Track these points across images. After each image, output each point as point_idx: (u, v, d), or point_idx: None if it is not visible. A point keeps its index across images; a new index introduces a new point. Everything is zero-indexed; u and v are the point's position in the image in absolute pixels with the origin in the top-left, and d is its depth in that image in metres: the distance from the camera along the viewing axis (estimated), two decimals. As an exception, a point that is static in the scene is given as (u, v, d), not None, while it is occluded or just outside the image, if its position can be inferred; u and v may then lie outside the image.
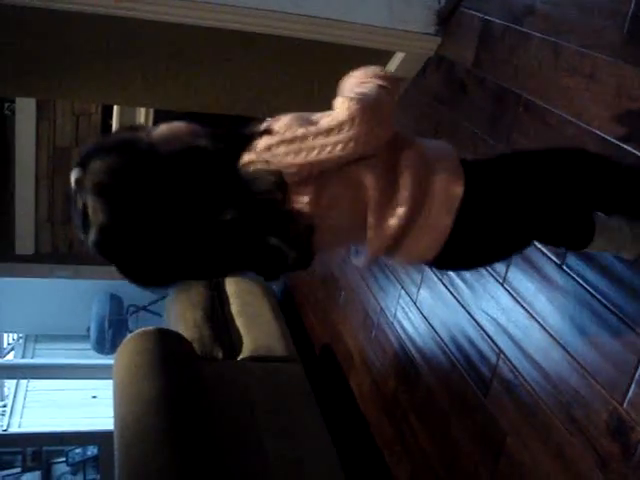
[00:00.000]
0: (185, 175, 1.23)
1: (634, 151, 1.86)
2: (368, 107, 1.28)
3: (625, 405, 1.84)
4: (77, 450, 4.93)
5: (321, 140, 1.26)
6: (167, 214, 1.21)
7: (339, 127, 1.26)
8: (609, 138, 1.95)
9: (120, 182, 1.21)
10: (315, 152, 1.26)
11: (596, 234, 1.71)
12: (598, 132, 1.99)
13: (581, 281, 2.01)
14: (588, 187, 1.63)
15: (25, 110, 5.35)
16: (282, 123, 1.28)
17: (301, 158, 1.25)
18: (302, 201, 1.28)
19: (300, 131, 1.26)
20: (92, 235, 1.21)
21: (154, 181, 1.21)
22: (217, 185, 1.24)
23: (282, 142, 1.26)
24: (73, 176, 1.26)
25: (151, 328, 3.29)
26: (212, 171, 1.25)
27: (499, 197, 1.46)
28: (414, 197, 1.34)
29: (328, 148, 1.26)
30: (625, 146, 1.89)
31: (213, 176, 1.24)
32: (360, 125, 1.26)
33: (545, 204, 1.53)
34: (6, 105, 5.26)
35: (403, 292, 3.08)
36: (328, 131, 1.26)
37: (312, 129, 1.26)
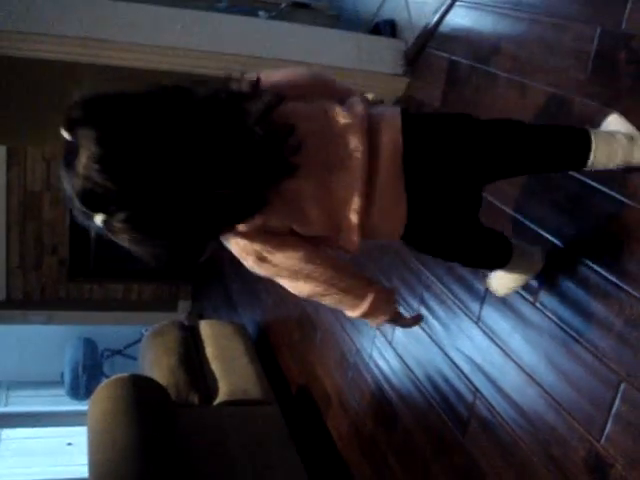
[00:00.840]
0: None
1: (600, 187, 1.88)
2: None
3: (602, 442, 1.84)
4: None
5: None
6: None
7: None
8: (576, 175, 1.97)
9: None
10: None
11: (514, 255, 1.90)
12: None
13: (555, 318, 2.02)
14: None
15: (-5, 156, 5.33)
16: None
17: None
18: None
19: None
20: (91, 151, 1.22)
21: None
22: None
23: None
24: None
25: (125, 375, 3.25)
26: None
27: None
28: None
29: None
30: (592, 183, 1.91)
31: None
32: None
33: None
34: (-24, 151, 5.25)
35: (378, 332, 3.07)
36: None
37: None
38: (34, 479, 5.52)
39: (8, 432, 7.12)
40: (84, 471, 2.97)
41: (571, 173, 1.98)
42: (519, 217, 2.19)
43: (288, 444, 3.40)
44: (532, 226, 2.12)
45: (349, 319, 3.30)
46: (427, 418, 2.66)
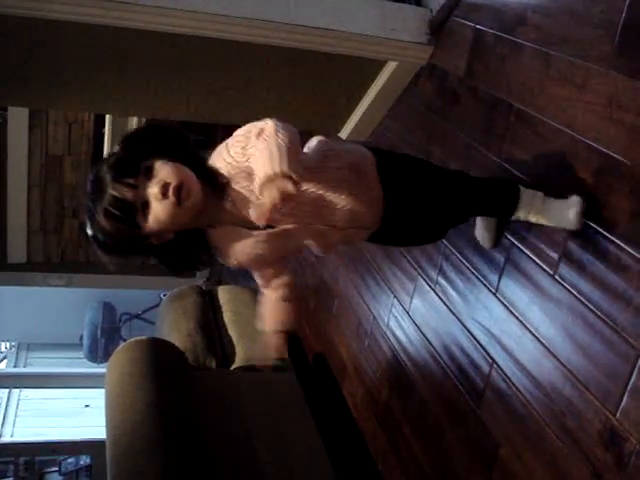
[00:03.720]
0: None
1: (624, 160, 1.86)
2: None
3: (618, 415, 1.84)
4: (70, 460, 4.91)
5: None
6: None
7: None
8: (600, 148, 1.95)
9: None
10: None
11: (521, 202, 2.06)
12: (589, 142, 1.99)
13: (574, 291, 2.01)
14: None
15: (17, 118, 5.34)
16: None
17: None
18: None
19: None
20: None
21: None
22: None
23: None
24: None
25: (143, 338, 3.28)
26: None
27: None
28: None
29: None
30: (616, 156, 1.89)
31: None
32: None
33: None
34: (-2, 113, 5.25)
35: (396, 301, 3.07)
36: None
37: None
38: (52, 439, 5.58)
39: (27, 392, 7.21)
40: (101, 432, 3.01)
41: (598, 147, 1.97)
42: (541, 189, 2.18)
43: (304, 411, 3.43)
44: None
45: (367, 286, 3.33)
46: (443, 388, 2.67)
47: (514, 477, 2.24)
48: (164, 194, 1.60)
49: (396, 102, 3.23)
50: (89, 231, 1.65)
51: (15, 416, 6.93)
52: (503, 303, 2.32)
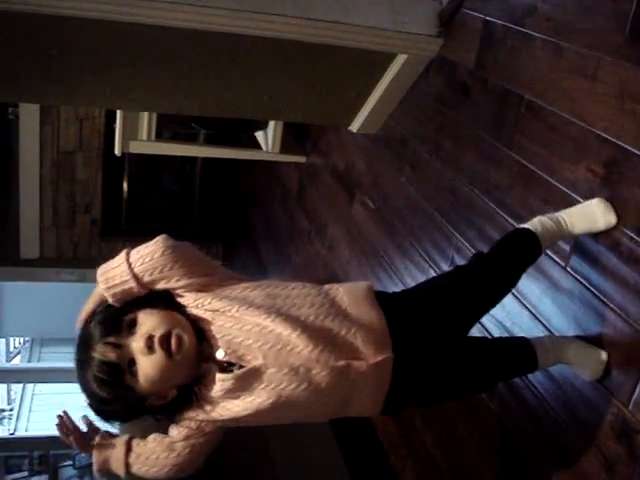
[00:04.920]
0: None
1: (636, 150, 1.86)
2: None
3: (630, 407, 1.83)
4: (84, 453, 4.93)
5: None
6: None
7: None
8: (612, 139, 1.94)
9: None
10: None
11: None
12: (600, 133, 1.99)
13: (586, 283, 2.01)
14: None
15: (29, 114, 5.36)
16: None
17: None
18: None
19: None
20: None
21: None
22: None
23: None
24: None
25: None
26: None
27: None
28: None
29: None
30: (627, 147, 1.88)
31: None
32: None
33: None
34: (10, 109, 5.27)
35: (407, 294, 3.06)
36: None
37: None
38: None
39: (41, 387, 7.25)
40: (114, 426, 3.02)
41: (609, 138, 1.96)
42: (552, 180, 2.17)
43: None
44: (565, 189, 2.11)
45: (377, 278, 3.33)
46: (454, 380, 2.67)
47: (526, 469, 2.24)
48: (150, 347, 1.41)
49: (406, 95, 3.22)
50: (86, 400, 1.50)
51: (29, 411, 6.98)
52: (515, 295, 2.31)
